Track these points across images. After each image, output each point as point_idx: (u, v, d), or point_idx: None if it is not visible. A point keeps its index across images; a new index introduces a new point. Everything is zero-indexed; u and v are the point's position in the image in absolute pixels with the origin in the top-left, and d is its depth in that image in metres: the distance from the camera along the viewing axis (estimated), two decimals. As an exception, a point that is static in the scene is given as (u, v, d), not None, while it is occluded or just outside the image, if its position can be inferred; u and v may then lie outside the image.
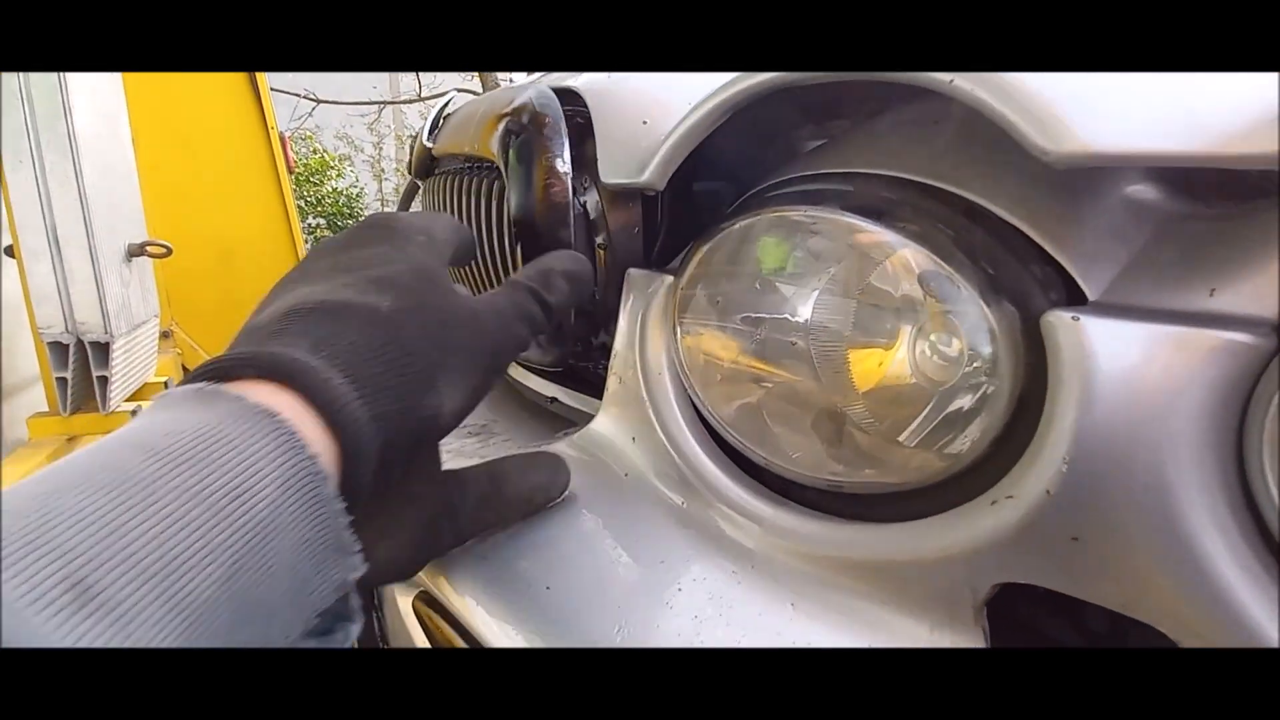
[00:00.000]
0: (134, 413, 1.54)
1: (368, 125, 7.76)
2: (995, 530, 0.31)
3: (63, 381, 1.42)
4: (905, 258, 0.35)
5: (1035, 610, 0.36)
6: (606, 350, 0.65)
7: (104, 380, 1.45)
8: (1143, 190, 0.33)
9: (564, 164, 0.53)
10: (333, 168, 5.52)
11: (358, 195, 5.60)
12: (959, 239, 0.33)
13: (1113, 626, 0.34)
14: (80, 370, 1.43)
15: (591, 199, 0.56)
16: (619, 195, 0.54)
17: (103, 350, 1.43)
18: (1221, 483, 0.27)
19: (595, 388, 0.77)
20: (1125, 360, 0.28)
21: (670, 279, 0.51)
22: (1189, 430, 0.27)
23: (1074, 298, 0.32)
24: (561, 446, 0.61)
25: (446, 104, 0.85)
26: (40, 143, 1.31)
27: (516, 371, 0.95)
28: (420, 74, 7.33)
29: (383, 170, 8.10)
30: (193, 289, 2.30)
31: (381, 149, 8.20)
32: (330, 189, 5.36)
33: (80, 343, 1.41)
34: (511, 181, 0.54)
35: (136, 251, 1.57)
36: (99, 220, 1.40)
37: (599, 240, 0.57)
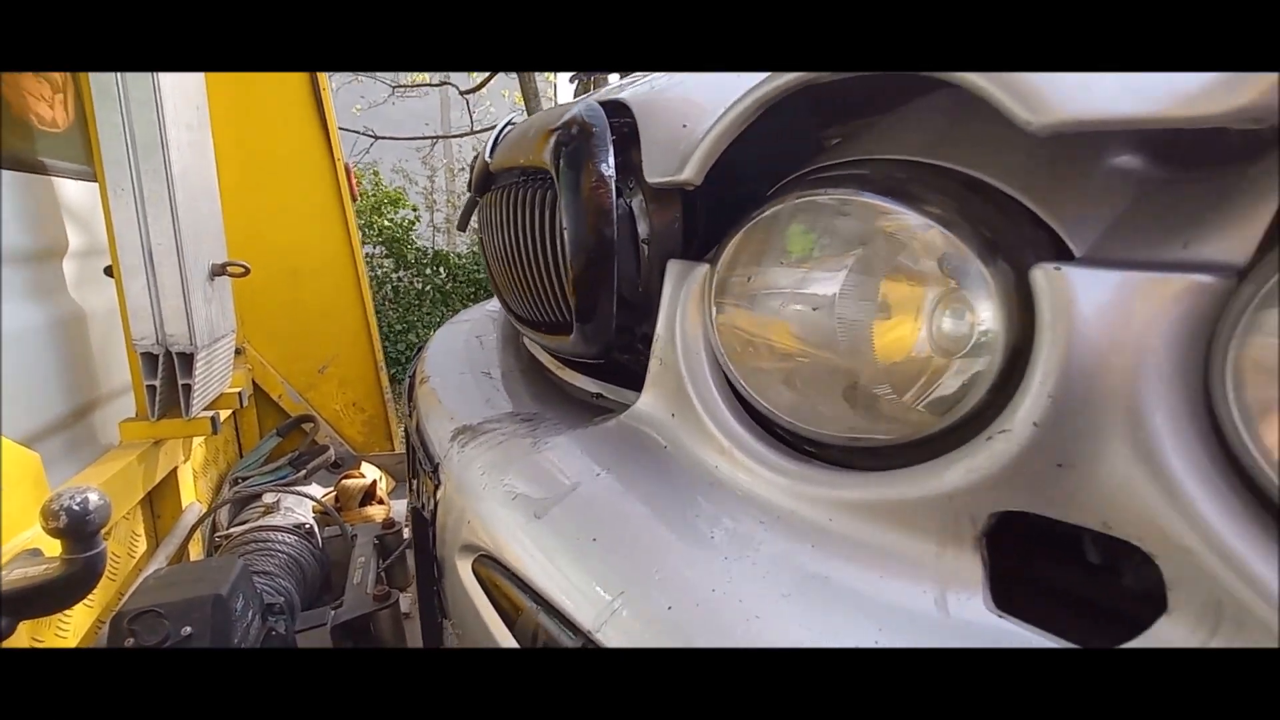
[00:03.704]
0: (213, 420, 1.66)
1: (421, 159, 8.10)
2: (990, 463, 0.35)
3: (152, 389, 1.55)
4: (925, 237, 0.39)
5: (1034, 545, 0.39)
6: (649, 340, 0.71)
7: (188, 389, 1.57)
8: (1127, 158, 0.36)
9: (608, 168, 0.59)
10: (401, 200, 5.81)
11: (412, 224, 5.83)
12: (961, 208, 0.37)
13: (1104, 558, 0.37)
14: (167, 379, 1.56)
15: (636, 200, 0.62)
16: (661, 193, 0.60)
17: (187, 361, 1.56)
18: (1189, 409, 0.31)
19: (637, 381, 0.82)
20: (1103, 304, 0.32)
21: (707, 266, 0.56)
22: (1160, 362, 0.31)
23: (1063, 255, 0.35)
24: (608, 425, 0.67)
25: (506, 124, 0.93)
26: (140, 173, 1.45)
27: (563, 371, 1.01)
28: (472, 110, 7.65)
29: (434, 201, 8.39)
30: (263, 310, 2.46)
31: (434, 181, 8.52)
32: (389, 220, 5.62)
33: (169, 354, 1.54)
34: (561, 186, 0.61)
35: (219, 271, 1.71)
36: (188, 242, 1.53)
37: (643, 236, 0.63)
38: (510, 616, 0.55)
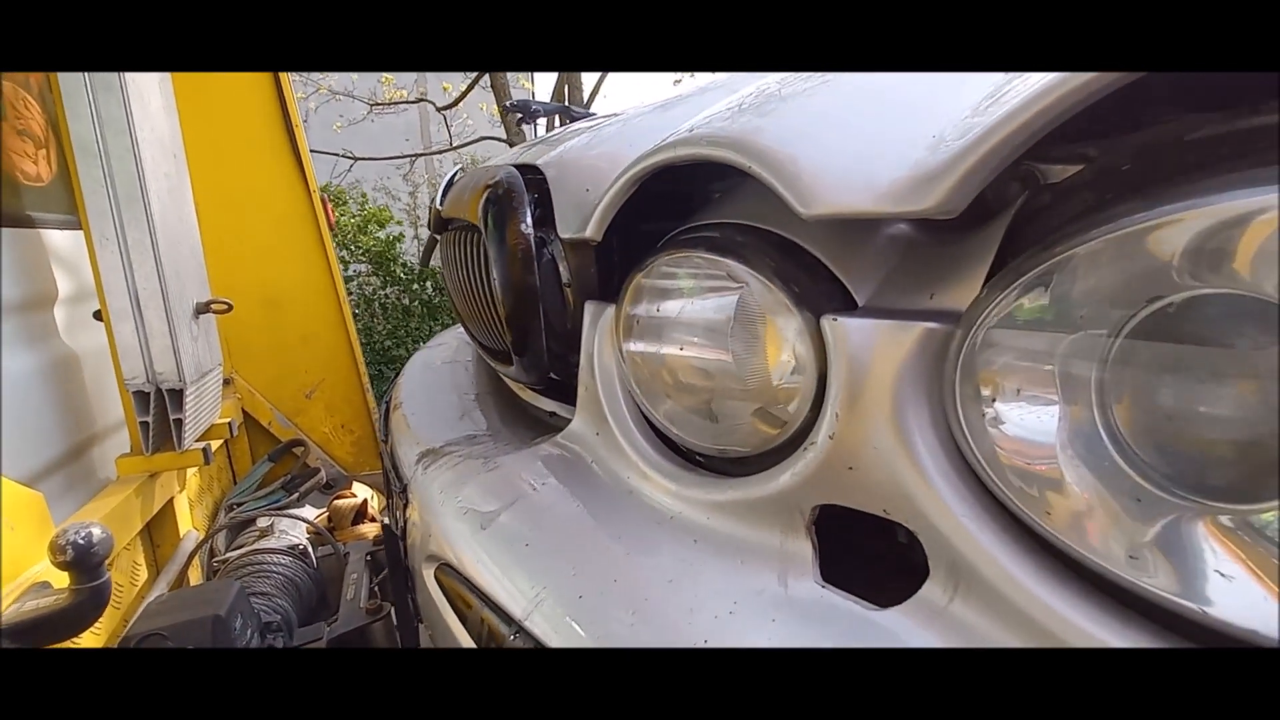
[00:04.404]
0: (205, 450, 1.74)
1: (403, 175, 8.17)
2: (806, 468, 0.45)
3: (145, 425, 1.63)
4: (757, 288, 0.49)
5: (859, 529, 0.49)
6: (582, 366, 0.80)
7: (179, 423, 1.66)
8: (897, 226, 0.46)
9: (526, 226, 0.68)
10: (385, 216, 5.89)
11: (397, 239, 5.91)
12: (778, 267, 0.47)
13: (909, 537, 0.47)
14: (159, 415, 1.65)
15: (556, 249, 0.72)
16: (575, 244, 0.70)
17: (178, 396, 1.65)
18: (934, 423, 0.41)
19: (584, 400, 0.92)
20: (870, 345, 0.42)
21: (614, 306, 0.66)
22: (912, 389, 0.41)
23: (849, 304, 0.45)
24: (547, 446, 0.76)
25: (455, 173, 1.03)
26: (123, 222, 1.54)
27: (526, 393, 1.11)
28: (450, 125, 7.74)
29: (418, 217, 8.45)
30: (249, 340, 2.55)
31: (417, 197, 8.58)
32: (374, 238, 5.70)
33: (159, 391, 1.63)
34: (490, 240, 0.70)
35: (203, 309, 1.80)
36: (171, 285, 1.62)
37: (565, 280, 0.72)
38: (463, 614, 0.65)
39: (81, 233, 1.60)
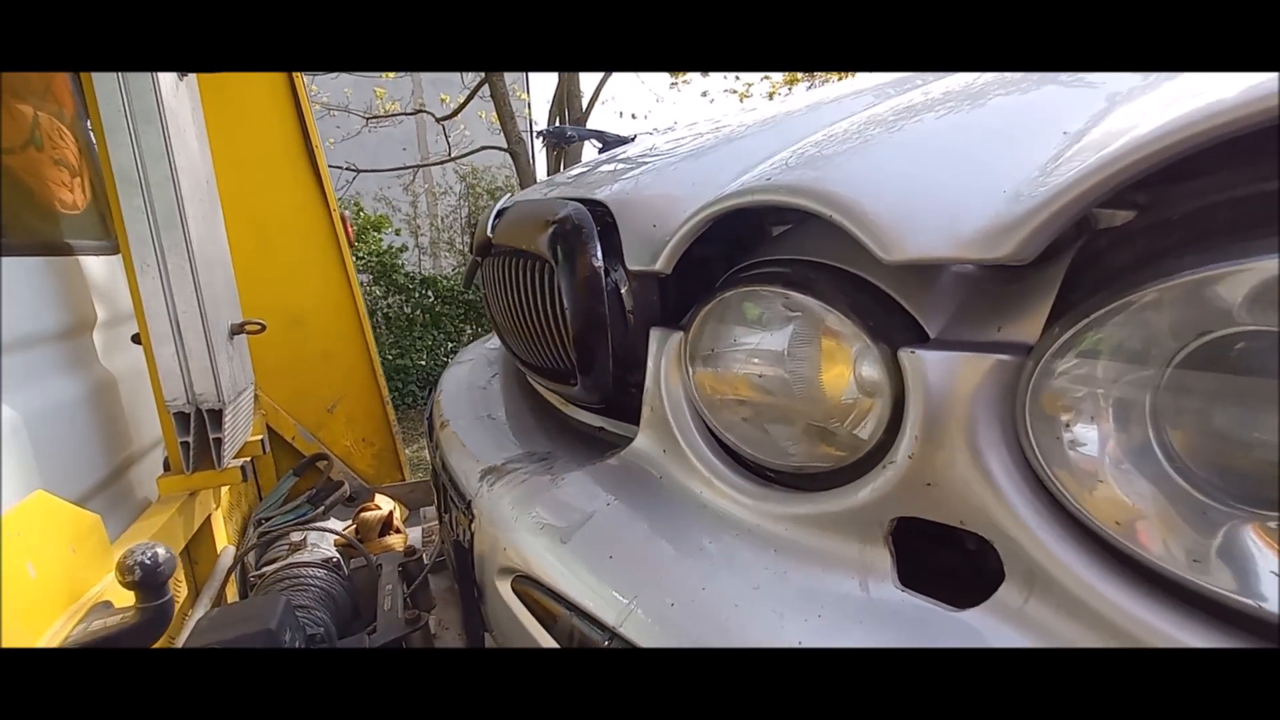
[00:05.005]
0: (242, 468, 1.79)
1: (403, 186, 8.23)
2: (886, 484, 0.50)
3: (185, 445, 1.68)
4: (831, 322, 0.54)
5: (928, 536, 0.54)
6: (641, 385, 0.85)
7: (218, 442, 1.71)
8: (963, 266, 0.52)
9: (597, 259, 0.73)
10: (384, 223, 5.96)
11: (400, 250, 5.96)
12: (852, 302, 0.52)
13: (979, 545, 0.52)
14: (199, 435, 1.69)
15: (620, 277, 0.77)
16: (642, 275, 0.75)
17: (216, 416, 1.69)
18: (1007, 442, 0.46)
19: (634, 416, 0.96)
20: (945, 374, 0.47)
21: (681, 333, 0.71)
22: (986, 414, 0.46)
23: (921, 337, 0.50)
24: (612, 462, 0.81)
25: (504, 203, 1.08)
26: (163, 248, 1.59)
27: (569, 409, 1.16)
28: (449, 135, 7.78)
29: (418, 226, 8.49)
30: (271, 356, 2.59)
31: (417, 206, 8.62)
32: (377, 247, 5.75)
33: (199, 411, 1.67)
34: (561, 271, 0.75)
35: (237, 330, 1.85)
36: (209, 307, 1.67)
37: (629, 307, 0.77)
38: (549, 623, 0.70)
39: (113, 257, 1.65)
